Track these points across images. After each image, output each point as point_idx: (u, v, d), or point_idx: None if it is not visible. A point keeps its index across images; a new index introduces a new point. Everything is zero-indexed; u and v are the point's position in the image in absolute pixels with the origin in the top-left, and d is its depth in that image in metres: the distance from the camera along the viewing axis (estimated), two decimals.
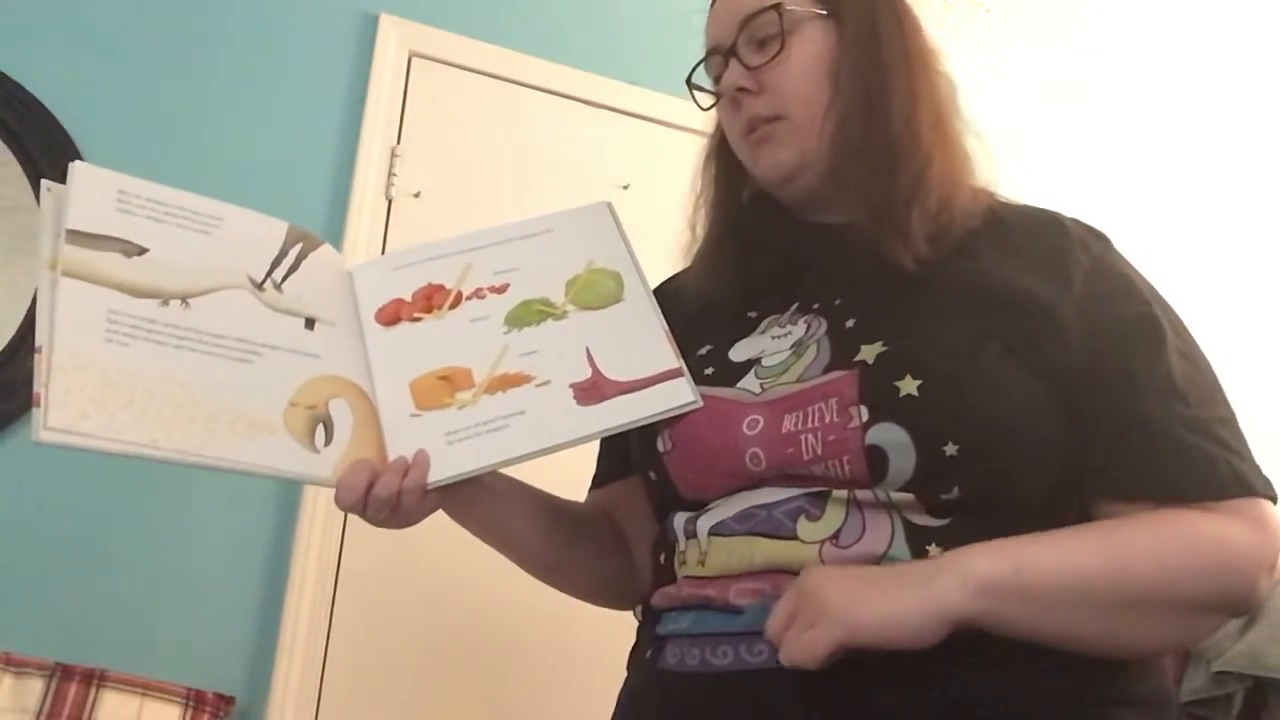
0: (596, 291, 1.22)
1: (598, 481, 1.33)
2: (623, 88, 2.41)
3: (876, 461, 0.96)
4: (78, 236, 1.05)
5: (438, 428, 1.11)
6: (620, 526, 1.29)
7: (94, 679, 1.74)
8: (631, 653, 1.16)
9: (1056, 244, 1.07)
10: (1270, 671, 2.02)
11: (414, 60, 2.28)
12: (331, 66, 2.23)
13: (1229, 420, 1.01)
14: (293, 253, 1.18)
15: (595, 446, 1.28)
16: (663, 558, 1.12)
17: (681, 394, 1.11)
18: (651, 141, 2.40)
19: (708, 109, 1.23)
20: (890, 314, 1.04)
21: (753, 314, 1.16)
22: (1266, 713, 2.04)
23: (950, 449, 0.94)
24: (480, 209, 2.06)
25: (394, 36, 2.26)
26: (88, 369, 0.99)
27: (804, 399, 1.02)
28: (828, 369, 1.03)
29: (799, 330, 1.10)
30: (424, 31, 2.29)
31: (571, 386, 1.14)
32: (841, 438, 0.98)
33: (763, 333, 1.13)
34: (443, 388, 1.14)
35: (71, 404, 0.96)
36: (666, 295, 1.24)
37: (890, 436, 0.96)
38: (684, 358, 1.15)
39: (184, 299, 1.08)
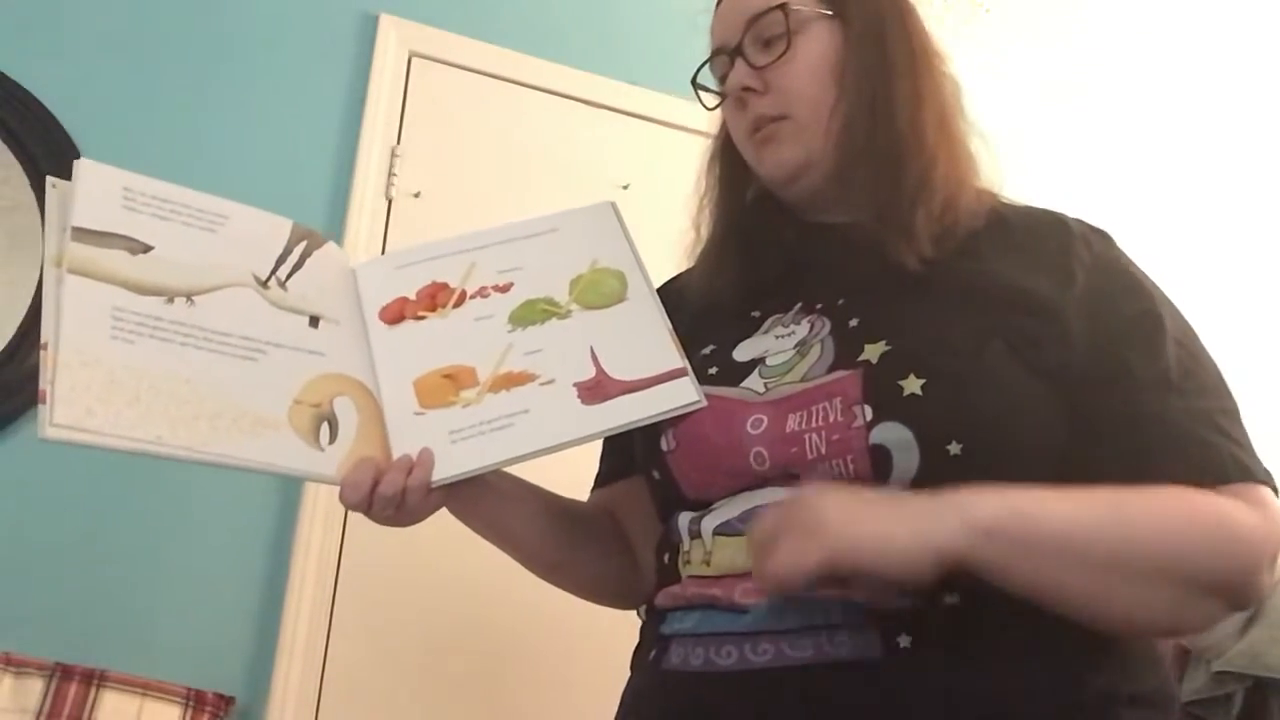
0: (600, 291, 1.22)
1: (600, 481, 1.33)
2: (623, 88, 2.41)
3: (880, 461, 0.96)
4: (83, 234, 1.05)
5: (442, 426, 1.11)
6: (623, 526, 1.29)
7: (94, 679, 1.74)
8: (634, 653, 1.16)
9: (1059, 242, 1.07)
10: (1270, 671, 2.02)
11: (414, 60, 2.27)
12: (331, 66, 2.23)
13: (1231, 411, 1.01)
14: (297, 250, 1.18)
15: (598, 445, 1.28)
16: (666, 558, 1.12)
17: (685, 394, 1.11)
18: (651, 141, 2.39)
19: (713, 109, 1.23)
20: (894, 314, 1.04)
21: (756, 313, 1.16)
22: (1266, 713, 2.04)
23: (954, 448, 0.94)
24: (480, 209, 2.06)
25: (394, 36, 2.25)
26: (93, 366, 0.99)
27: (808, 398, 1.02)
28: (831, 368, 1.03)
29: (803, 330, 1.10)
30: (424, 31, 2.29)
31: (575, 386, 1.14)
32: (845, 437, 0.98)
33: (766, 332, 1.13)
34: (447, 386, 1.14)
35: (77, 401, 0.96)
36: (670, 295, 1.24)
37: (894, 435, 0.96)
38: (688, 357, 1.15)
39: (189, 296, 1.08)
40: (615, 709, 1.14)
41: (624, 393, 1.13)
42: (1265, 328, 2.87)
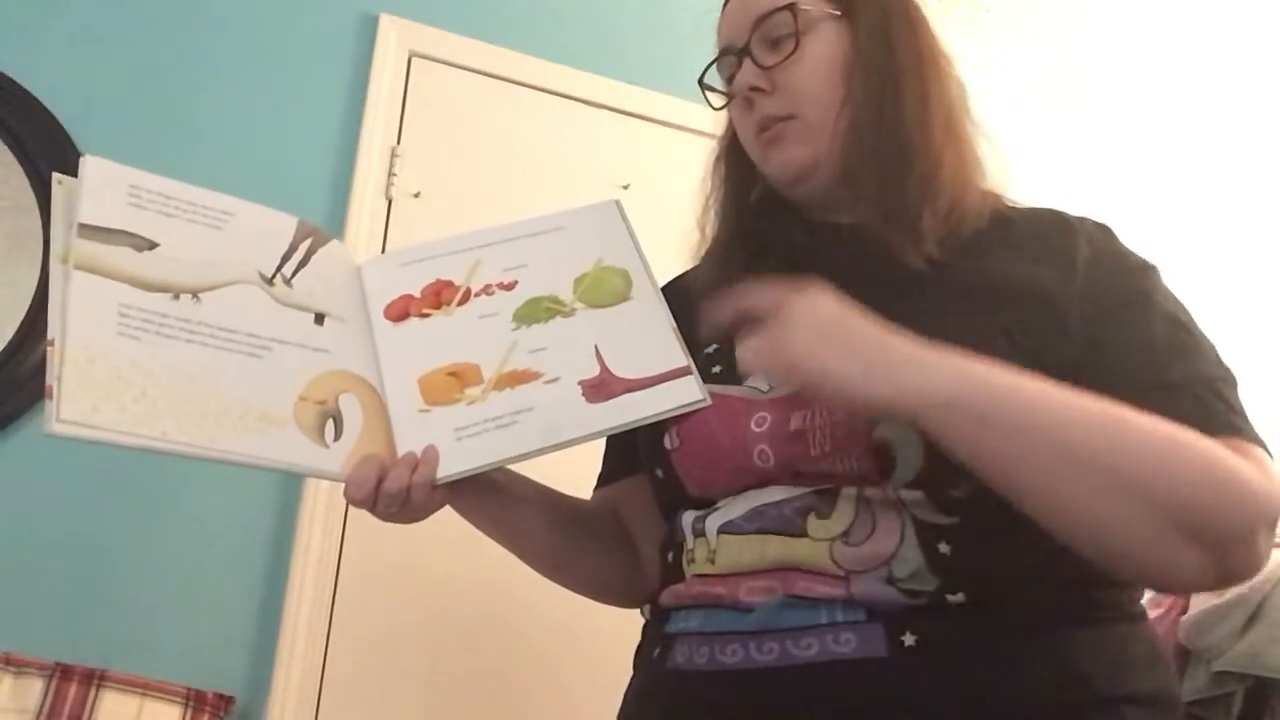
0: (605, 289, 1.22)
1: (603, 479, 1.33)
2: (623, 88, 2.41)
3: (884, 458, 0.96)
4: (90, 230, 1.05)
5: (447, 423, 1.11)
6: (626, 524, 1.29)
7: (94, 679, 1.74)
8: (637, 652, 1.16)
9: (1062, 237, 1.07)
10: (1270, 671, 2.02)
11: (414, 60, 2.27)
12: (331, 66, 2.23)
13: (1230, 380, 1.00)
14: (302, 248, 1.18)
15: (601, 443, 1.28)
16: (671, 556, 1.12)
17: (690, 392, 1.11)
18: (651, 141, 2.40)
19: (720, 109, 1.23)
20: (898, 313, 1.04)
21: None
22: (1267, 713, 2.04)
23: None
24: (480, 209, 2.07)
25: (394, 36, 2.26)
26: (100, 362, 0.99)
27: (812, 397, 1.02)
28: None
29: None
30: (424, 31, 2.29)
31: (580, 384, 1.14)
32: (849, 434, 0.98)
33: None
34: (451, 384, 1.14)
35: (84, 397, 0.96)
36: (674, 293, 1.24)
37: (897, 433, 0.96)
38: (691, 356, 1.15)
39: (195, 293, 1.08)
40: (616, 709, 1.14)
41: (628, 391, 1.13)
42: (1266, 327, 2.87)
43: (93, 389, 0.97)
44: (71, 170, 1.10)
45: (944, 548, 0.95)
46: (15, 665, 1.71)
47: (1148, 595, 1.08)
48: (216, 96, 2.14)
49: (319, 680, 1.90)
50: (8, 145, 1.96)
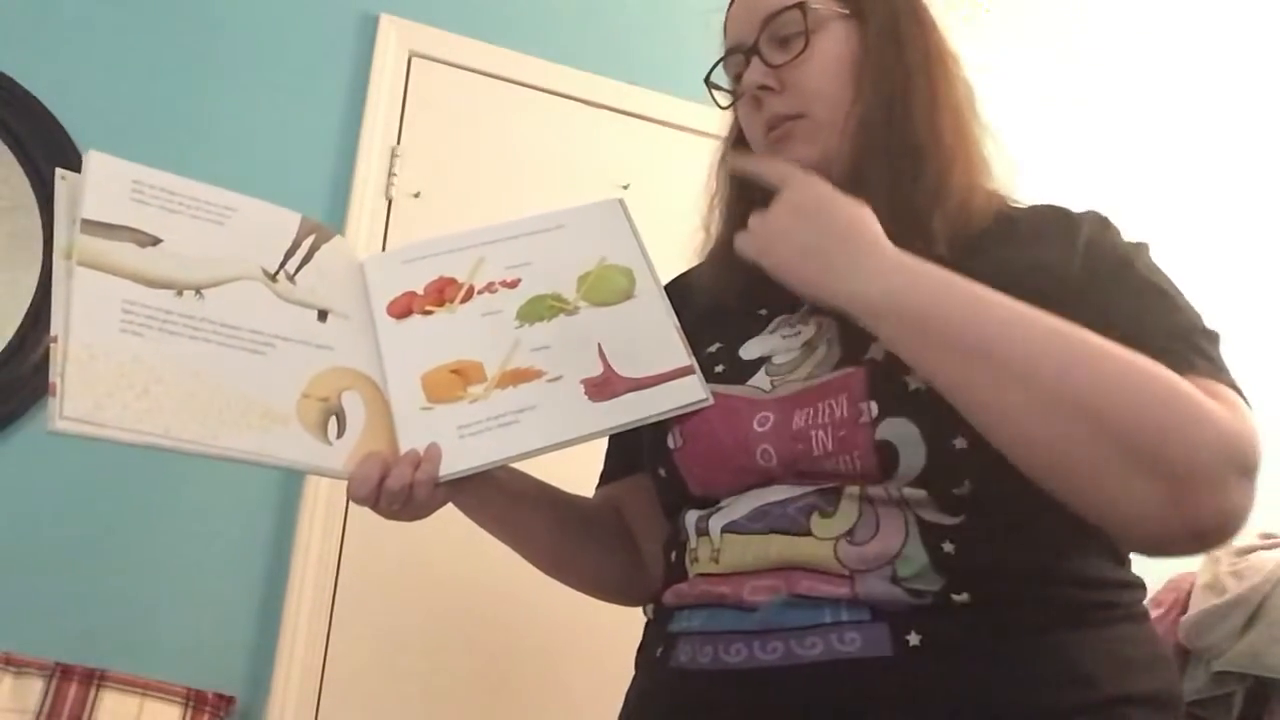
0: (608, 288, 1.22)
1: (606, 477, 1.33)
2: (623, 88, 2.41)
3: (887, 456, 0.96)
4: (93, 226, 1.05)
5: (449, 421, 1.11)
6: (628, 522, 1.29)
7: (94, 679, 1.74)
8: (639, 651, 1.16)
9: (1063, 224, 1.07)
10: (1270, 671, 2.03)
11: (414, 60, 2.27)
12: (331, 66, 2.23)
13: (1209, 335, 0.98)
14: (305, 244, 1.18)
15: (603, 441, 1.28)
16: (674, 555, 1.12)
17: (693, 391, 1.11)
18: (651, 141, 2.40)
19: (727, 108, 1.23)
20: None
21: (763, 312, 1.16)
22: (1267, 713, 2.05)
23: (959, 442, 0.94)
24: (480, 209, 2.05)
25: (394, 36, 2.25)
26: (103, 359, 0.98)
27: (814, 395, 1.02)
28: (837, 366, 1.04)
29: (809, 330, 1.10)
30: (424, 31, 2.29)
31: (583, 382, 1.14)
32: (852, 433, 0.98)
33: (773, 332, 1.13)
34: (454, 381, 1.14)
35: (87, 394, 0.96)
36: (677, 291, 1.24)
37: (900, 431, 0.96)
38: (694, 354, 1.15)
39: (198, 290, 1.08)
40: (617, 708, 1.14)
41: (631, 390, 1.13)
42: (1267, 321, 2.88)
43: (96, 386, 0.97)
44: (72, 169, 1.09)
45: (948, 547, 0.94)
46: (15, 665, 1.71)
47: (1148, 596, 1.07)
48: (216, 96, 2.13)
49: (319, 680, 1.89)
50: (8, 145, 1.95)
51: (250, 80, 2.17)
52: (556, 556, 1.28)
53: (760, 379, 1.09)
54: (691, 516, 1.09)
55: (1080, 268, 1.02)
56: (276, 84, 2.18)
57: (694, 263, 1.28)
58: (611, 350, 1.16)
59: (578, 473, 1.31)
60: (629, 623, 1.21)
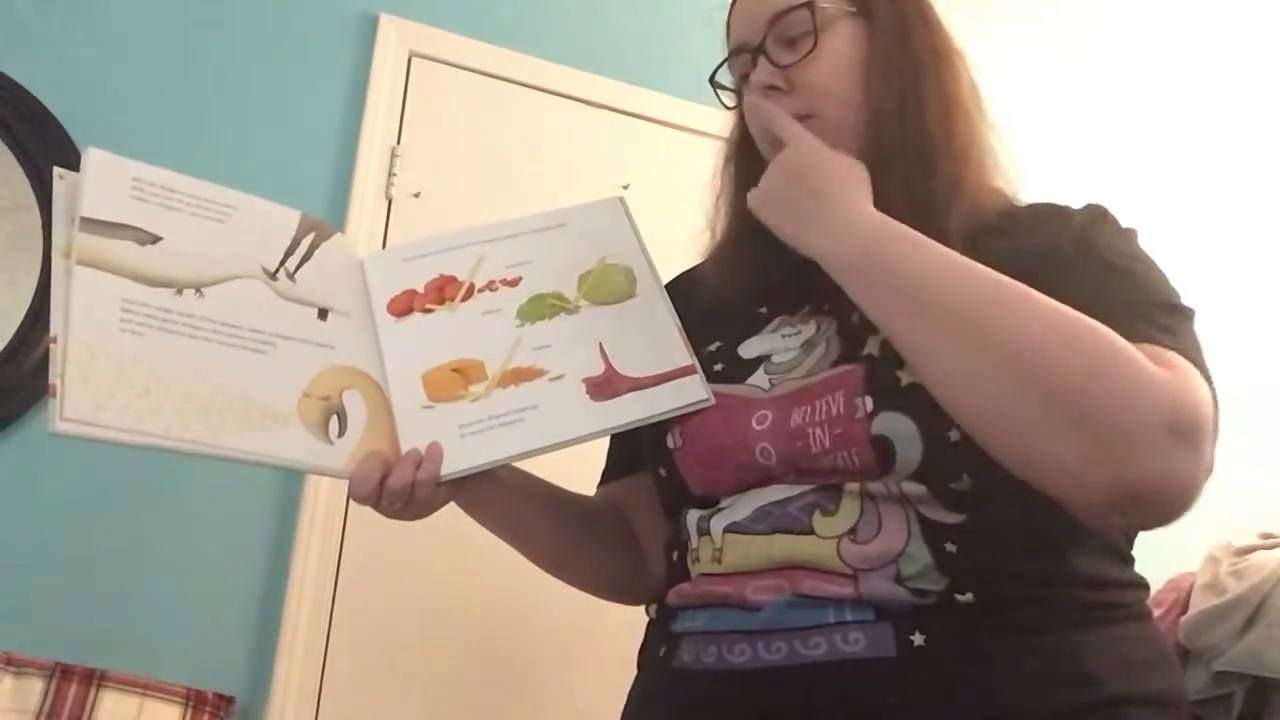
0: (609, 286, 1.22)
1: (607, 476, 1.33)
2: (623, 88, 2.40)
3: (884, 451, 0.97)
4: (92, 224, 1.04)
5: (451, 420, 1.11)
6: (630, 521, 1.29)
7: (94, 679, 1.73)
8: (642, 650, 1.16)
9: (1058, 218, 1.07)
10: (1270, 671, 2.02)
11: (414, 60, 2.27)
12: (331, 66, 2.23)
13: (1170, 308, 0.97)
14: (305, 242, 1.18)
15: (605, 440, 1.27)
16: (676, 555, 1.12)
17: (694, 391, 1.11)
18: (651, 141, 2.39)
19: (732, 108, 1.23)
20: None
21: (763, 310, 1.16)
22: (1267, 713, 2.04)
23: (954, 434, 0.94)
24: (480, 209, 2.04)
25: (394, 36, 2.25)
26: (103, 359, 0.98)
27: (812, 393, 1.03)
28: (836, 363, 1.04)
29: (809, 329, 1.10)
30: (424, 31, 2.28)
31: (584, 381, 1.14)
32: (848, 429, 0.98)
33: (774, 332, 1.13)
34: (456, 380, 1.14)
35: (87, 394, 0.96)
36: (679, 290, 1.24)
37: (895, 426, 0.96)
38: (694, 353, 1.15)
39: (198, 288, 1.08)
40: (619, 708, 1.14)
41: (633, 389, 1.13)
42: (1270, 316, 2.88)
43: (96, 386, 0.96)
44: (72, 169, 1.09)
45: (950, 547, 0.94)
46: (15, 665, 1.70)
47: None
48: (216, 96, 2.13)
49: (319, 680, 1.89)
50: (8, 145, 1.95)
51: (250, 80, 2.16)
52: (558, 555, 1.27)
53: (759, 378, 1.09)
54: (692, 516, 1.09)
55: (1062, 254, 1.01)
56: (276, 84, 2.18)
57: (696, 262, 1.28)
58: (613, 349, 1.16)
59: (578, 472, 1.31)
60: (631, 622, 1.21)
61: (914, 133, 1.08)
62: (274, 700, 1.84)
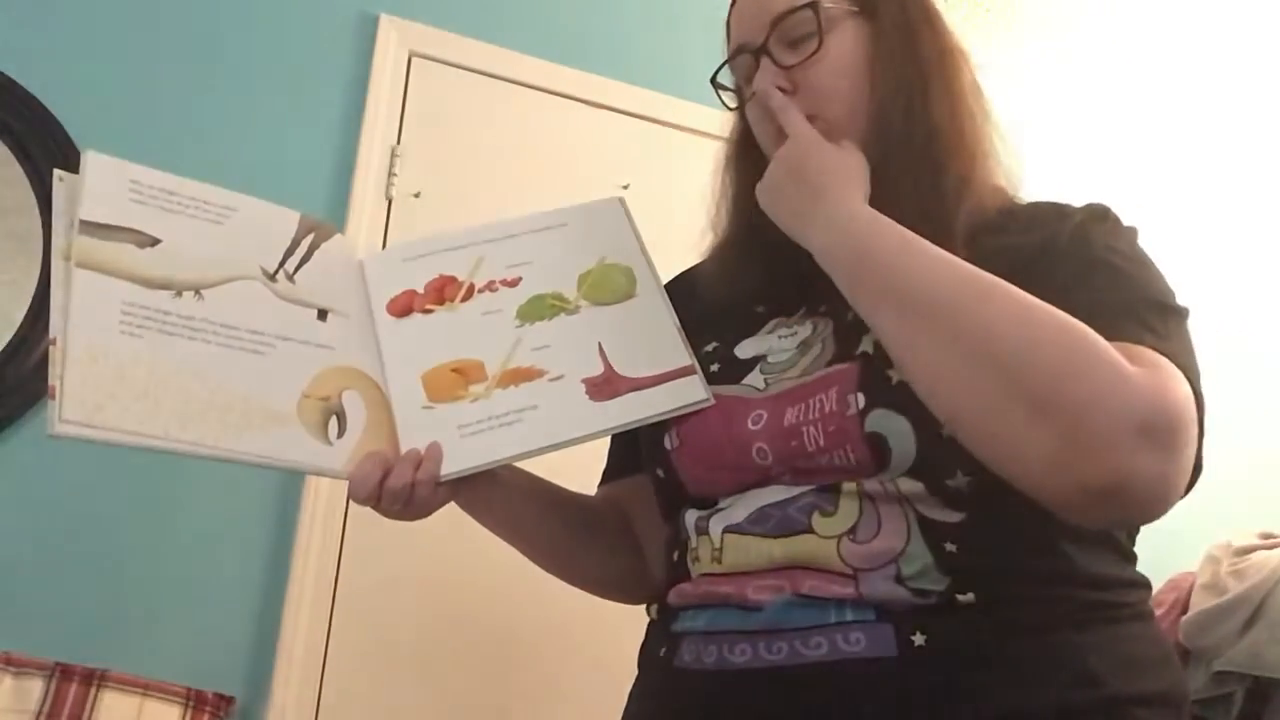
0: (609, 287, 1.22)
1: (607, 475, 1.33)
2: (623, 88, 2.40)
3: (878, 448, 0.97)
4: (91, 227, 1.05)
5: (450, 420, 1.11)
6: (630, 520, 1.29)
7: (94, 679, 1.73)
8: (642, 650, 1.15)
9: (1056, 216, 1.06)
10: (1270, 671, 2.02)
11: (414, 60, 2.27)
12: (331, 66, 2.23)
13: (1157, 307, 0.96)
14: (305, 243, 1.18)
15: (605, 441, 1.27)
16: (675, 555, 1.12)
17: (694, 391, 1.11)
18: (651, 141, 2.39)
19: (734, 109, 1.22)
20: None
21: (760, 309, 1.16)
22: (1267, 713, 2.04)
23: (946, 429, 0.94)
24: (480, 209, 2.03)
25: (394, 36, 2.25)
26: (103, 361, 0.98)
27: (806, 392, 1.03)
28: (831, 362, 1.04)
29: (805, 330, 1.10)
30: (424, 31, 2.28)
31: (584, 382, 1.14)
32: (841, 426, 0.98)
33: (769, 332, 1.13)
34: (455, 380, 1.14)
35: (87, 396, 0.96)
36: (678, 289, 1.24)
37: (889, 423, 0.96)
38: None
39: (197, 290, 1.08)
40: (619, 708, 1.14)
41: (632, 390, 1.13)
42: (1261, 316, 2.88)
43: (96, 388, 0.97)
44: (72, 169, 1.09)
45: (950, 546, 0.94)
46: (15, 665, 1.70)
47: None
48: (216, 96, 2.13)
49: (319, 680, 1.89)
50: (8, 145, 1.95)
51: (250, 80, 2.16)
52: (558, 555, 1.27)
53: (754, 378, 1.09)
54: (691, 516, 1.09)
55: (1058, 251, 1.01)
56: (276, 84, 2.18)
57: (696, 262, 1.28)
58: (612, 350, 1.16)
59: (578, 472, 1.31)
60: (631, 622, 1.21)
61: (919, 132, 1.08)
62: (274, 700, 1.84)
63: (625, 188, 2.16)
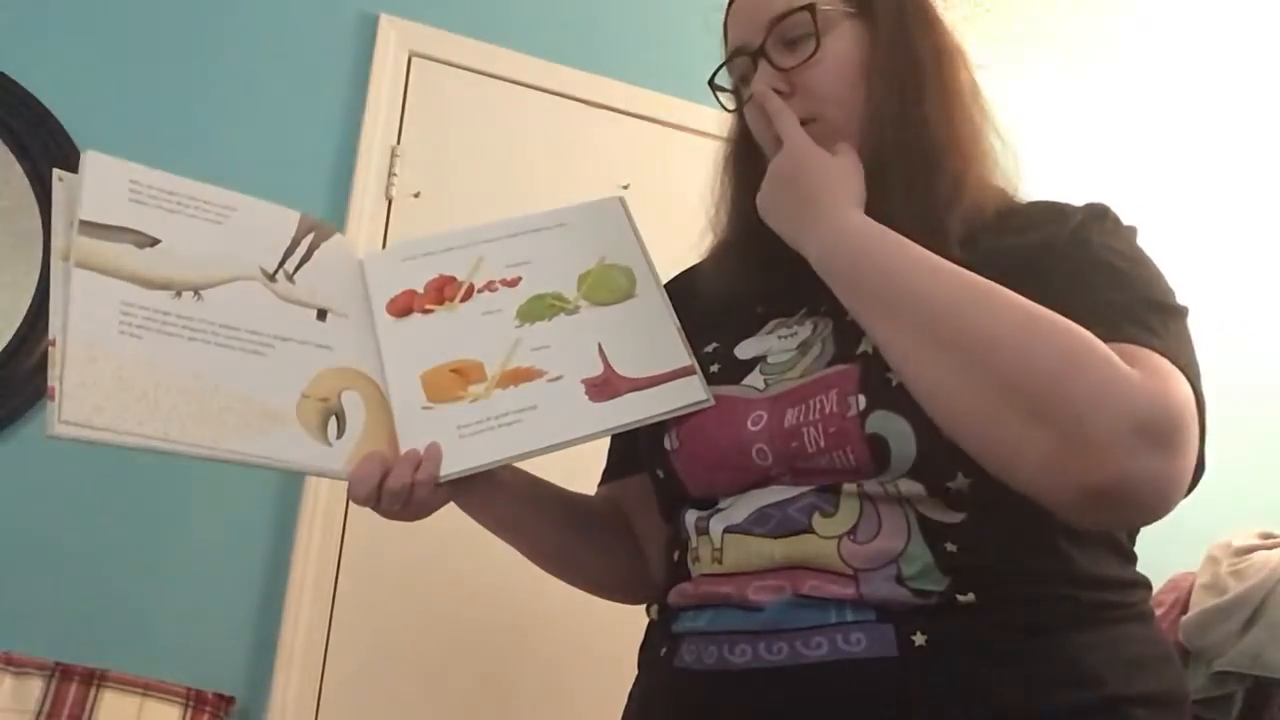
0: (609, 287, 1.22)
1: (607, 475, 1.33)
2: (623, 88, 2.40)
3: (878, 450, 0.97)
4: (91, 227, 1.05)
5: (450, 421, 1.11)
6: (630, 520, 1.29)
7: (94, 679, 1.73)
8: (642, 651, 1.16)
9: (1056, 216, 1.06)
10: (1270, 671, 2.02)
11: (414, 60, 2.27)
12: (331, 66, 2.22)
13: (1156, 307, 0.96)
14: (305, 243, 1.18)
15: (604, 441, 1.27)
16: (676, 555, 1.12)
17: (694, 392, 1.11)
18: (651, 141, 2.39)
19: (732, 110, 1.22)
20: None
21: (760, 309, 1.16)
22: (1267, 713, 2.04)
23: (946, 433, 0.93)
24: (480, 209, 2.03)
25: (394, 36, 2.25)
26: (102, 361, 0.98)
27: (806, 392, 1.03)
28: (831, 363, 1.04)
29: (805, 331, 1.10)
30: (424, 31, 2.28)
31: (583, 382, 1.14)
32: (841, 428, 0.98)
33: (770, 333, 1.13)
34: (455, 380, 1.14)
35: (86, 397, 0.96)
36: (677, 290, 1.24)
37: (889, 425, 0.96)
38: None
39: (197, 291, 1.08)
40: (619, 708, 1.14)
41: (632, 390, 1.13)
42: (1258, 314, 2.88)
43: (95, 389, 0.97)
44: (72, 169, 1.09)
45: (950, 546, 0.94)
46: (15, 665, 1.70)
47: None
48: (216, 96, 2.13)
49: (319, 680, 1.89)
50: (8, 145, 1.95)
51: (250, 80, 2.16)
52: (558, 555, 1.27)
53: (754, 378, 1.09)
54: (691, 516, 1.09)
55: (1056, 251, 1.01)
56: (277, 83, 2.18)
57: (696, 262, 1.28)
58: (612, 350, 1.16)
59: (578, 472, 1.31)
60: (631, 622, 1.21)
61: (916, 133, 1.08)
62: (274, 700, 1.84)
63: (625, 188, 2.16)
